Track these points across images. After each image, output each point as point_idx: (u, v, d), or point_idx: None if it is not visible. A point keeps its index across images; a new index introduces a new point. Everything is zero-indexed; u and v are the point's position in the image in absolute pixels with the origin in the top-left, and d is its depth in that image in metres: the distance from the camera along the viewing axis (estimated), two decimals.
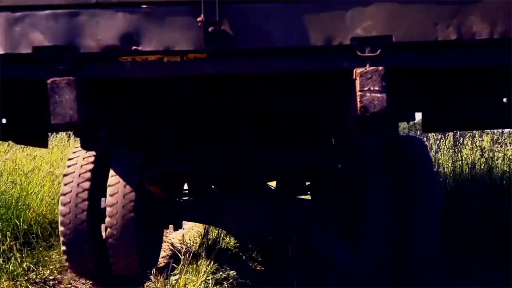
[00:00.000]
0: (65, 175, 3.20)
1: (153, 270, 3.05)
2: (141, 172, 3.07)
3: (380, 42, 1.67)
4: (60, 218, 3.07)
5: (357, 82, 1.65)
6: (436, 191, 2.99)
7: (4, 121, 2.14)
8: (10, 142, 4.83)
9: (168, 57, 1.72)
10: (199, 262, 3.22)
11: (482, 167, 4.90)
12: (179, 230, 3.94)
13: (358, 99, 1.65)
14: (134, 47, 1.70)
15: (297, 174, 3.61)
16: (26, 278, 3.32)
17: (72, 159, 3.27)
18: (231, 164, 3.03)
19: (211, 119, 2.73)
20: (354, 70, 1.68)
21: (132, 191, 3.00)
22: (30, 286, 3.22)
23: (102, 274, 3.25)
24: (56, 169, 5.57)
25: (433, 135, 7.45)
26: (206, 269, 3.14)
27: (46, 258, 3.81)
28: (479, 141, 6.84)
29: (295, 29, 1.68)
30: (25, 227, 4.31)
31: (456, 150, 6.28)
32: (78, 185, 3.10)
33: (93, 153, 3.16)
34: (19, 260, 3.52)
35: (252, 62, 1.73)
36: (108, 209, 3.02)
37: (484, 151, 5.43)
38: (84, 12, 1.68)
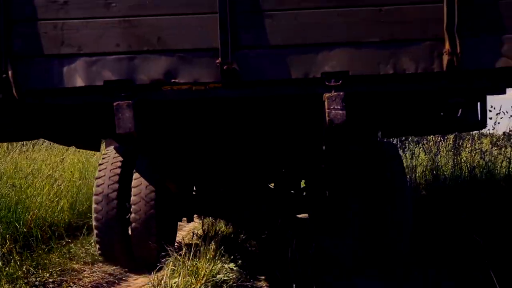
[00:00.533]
0: (97, 178, 3.76)
1: (153, 273, 3.06)
2: (161, 172, 3.73)
3: (341, 75, 2.39)
4: (94, 215, 3.66)
5: (326, 102, 2.38)
6: (407, 193, 3.52)
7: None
8: (9, 145, 4.85)
9: (195, 87, 2.46)
10: (198, 265, 3.22)
11: (482, 169, 4.92)
12: (179, 232, 4.01)
13: (327, 114, 2.37)
14: (172, 80, 2.43)
15: (291, 176, 4.33)
16: (26, 281, 3.31)
17: (102, 164, 3.85)
18: (236, 166, 3.86)
19: (217, 134, 3.55)
20: (324, 94, 2.40)
21: (153, 191, 3.59)
22: None
23: (127, 260, 3.82)
24: (56, 172, 5.58)
25: (432, 138, 7.47)
26: (206, 272, 3.14)
27: (46, 261, 3.81)
28: (478, 143, 6.84)
29: (283, 67, 2.40)
30: (25, 230, 4.31)
31: (455, 152, 6.29)
32: (108, 186, 3.67)
33: (120, 159, 3.81)
34: (18, 263, 3.52)
35: (253, 89, 2.48)
36: (132, 206, 3.60)
37: (484, 153, 5.44)
38: (138, 56, 2.41)
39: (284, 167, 4.18)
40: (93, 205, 3.66)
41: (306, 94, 2.46)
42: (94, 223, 3.68)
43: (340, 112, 2.35)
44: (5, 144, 6.29)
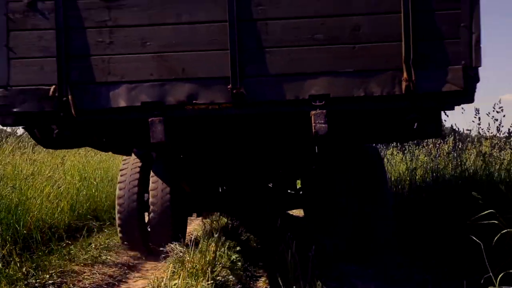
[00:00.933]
0: (119, 182, 4.50)
1: (153, 276, 3.05)
2: (177, 173, 4.50)
3: (323, 97, 3.05)
4: (117, 215, 4.43)
5: (312, 118, 3.02)
6: (389, 189, 4.34)
7: (104, 139, 3.99)
8: (10, 147, 4.86)
9: (211, 106, 3.11)
10: (198, 267, 3.22)
11: (482, 171, 4.91)
12: None
13: (313, 127, 3.01)
14: (194, 101, 3.09)
15: (286, 177, 5.13)
16: (26, 282, 3.30)
17: (123, 170, 4.62)
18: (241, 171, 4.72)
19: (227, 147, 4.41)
20: (311, 112, 3.05)
21: (168, 192, 4.29)
22: None
23: (144, 248, 4.51)
24: (56, 173, 5.57)
25: (432, 140, 7.46)
26: (205, 274, 3.14)
27: (45, 263, 3.81)
28: (478, 145, 6.80)
29: (279, 91, 3.07)
30: (25, 231, 4.31)
31: (455, 155, 6.29)
32: (129, 190, 4.41)
33: (139, 164, 4.61)
34: (18, 265, 3.52)
35: (257, 108, 3.13)
36: (151, 207, 4.30)
37: (484, 156, 5.40)
38: (167, 83, 3.07)
39: (282, 168, 4.97)
40: (116, 207, 4.45)
41: (297, 111, 3.11)
42: (117, 221, 4.48)
43: (323, 125, 3.00)
44: (6, 146, 6.31)
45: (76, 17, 3.09)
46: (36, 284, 3.34)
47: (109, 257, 4.36)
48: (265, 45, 3.08)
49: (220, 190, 5.26)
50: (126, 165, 4.62)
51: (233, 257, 3.92)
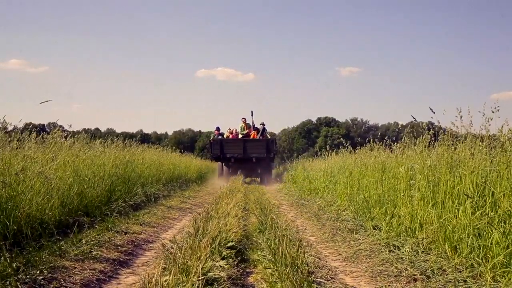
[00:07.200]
0: (218, 165, 21.88)
1: (144, 272, 3.04)
2: (228, 165, 20.88)
3: (254, 156, 20.65)
4: (218, 172, 21.52)
5: (253, 159, 21.00)
6: (272, 167, 23.07)
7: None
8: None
9: (239, 156, 21.03)
10: (189, 263, 3.23)
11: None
12: (170, 230, 4.01)
13: (253, 160, 21.03)
14: (238, 156, 20.78)
15: (254, 166, 20.55)
16: (16, 278, 3.28)
17: (218, 164, 21.79)
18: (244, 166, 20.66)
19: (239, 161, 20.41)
20: (252, 158, 21.03)
21: (227, 168, 20.78)
22: (20, 286, 3.19)
23: (224, 179, 18.95)
24: (47, 169, 5.52)
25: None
26: (196, 270, 3.14)
27: (36, 258, 3.79)
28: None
29: (251, 155, 20.23)
30: (15, 227, 4.29)
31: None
32: (220, 168, 21.29)
33: (221, 163, 21.23)
34: (8, 260, 3.50)
35: (247, 156, 20.53)
36: (224, 171, 21.21)
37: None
38: (236, 153, 20.14)
39: (253, 165, 20.04)
40: (218, 172, 21.18)
41: (251, 158, 19.58)
42: (218, 174, 21.03)
43: (254, 160, 19.61)
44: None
45: (223, 145, 19.49)
46: (27, 280, 3.32)
47: (100, 253, 4.35)
48: (248, 147, 19.44)
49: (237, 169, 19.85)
50: (219, 163, 20.60)
51: (224, 253, 3.94)
